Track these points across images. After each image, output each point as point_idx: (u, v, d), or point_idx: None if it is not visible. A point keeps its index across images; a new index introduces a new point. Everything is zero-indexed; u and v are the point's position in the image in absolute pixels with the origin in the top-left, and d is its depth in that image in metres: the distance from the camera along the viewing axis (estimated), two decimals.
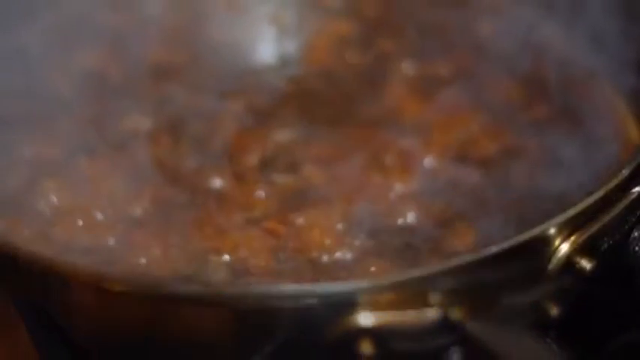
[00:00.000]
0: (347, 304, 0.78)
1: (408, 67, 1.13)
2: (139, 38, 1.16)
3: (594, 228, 0.84)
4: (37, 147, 1.02)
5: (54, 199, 0.97)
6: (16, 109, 1.06)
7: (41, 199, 0.97)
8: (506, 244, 0.81)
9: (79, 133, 1.04)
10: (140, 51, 1.14)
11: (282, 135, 1.05)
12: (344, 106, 1.09)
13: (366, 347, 0.78)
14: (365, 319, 0.78)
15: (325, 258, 0.93)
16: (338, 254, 0.93)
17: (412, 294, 0.79)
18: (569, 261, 0.83)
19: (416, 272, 0.80)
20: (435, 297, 0.79)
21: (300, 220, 0.95)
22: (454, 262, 0.80)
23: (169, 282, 0.88)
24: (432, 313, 0.79)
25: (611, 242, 0.85)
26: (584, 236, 0.83)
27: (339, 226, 0.95)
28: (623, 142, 1.02)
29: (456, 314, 0.79)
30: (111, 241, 0.94)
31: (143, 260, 0.93)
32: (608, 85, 1.07)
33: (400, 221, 0.95)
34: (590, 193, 0.85)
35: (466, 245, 0.93)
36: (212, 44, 1.17)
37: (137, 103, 1.08)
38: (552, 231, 0.83)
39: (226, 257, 0.93)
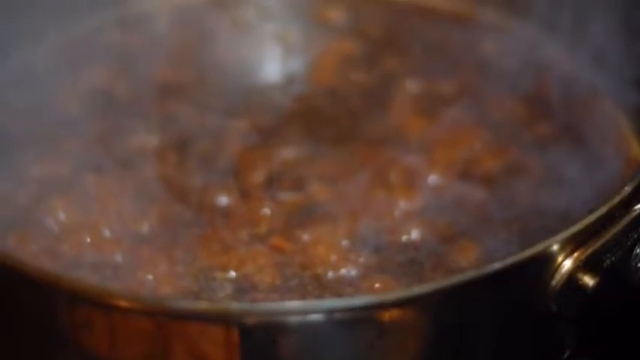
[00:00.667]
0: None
1: (412, 86, 1.13)
2: (146, 57, 1.17)
3: (597, 245, 0.84)
4: (45, 165, 1.03)
5: (62, 216, 0.98)
6: (24, 128, 1.07)
7: (49, 216, 0.97)
8: (509, 261, 0.81)
9: (86, 151, 1.04)
10: (147, 70, 1.15)
11: (288, 153, 1.06)
12: (349, 124, 1.10)
13: None
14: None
15: (330, 274, 0.93)
16: (343, 270, 0.93)
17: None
18: (572, 277, 0.83)
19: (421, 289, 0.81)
20: None
21: (305, 237, 0.96)
22: (457, 278, 0.81)
23: (176, 298, 0.89)
24: None
25: (613, 259, 0.85)
26: (587, 253, 0.84)
27: (344, 242, 0.95)
28: (626, 159, 1.02)
29: None
30: (118, 258, 0.95)
31: (150, 277, 0.93)
32: (610, 103, 1.08)
33: (404, 238, 0.96)
34: (592, 210, 0.85)
35: (470, 261, 0.93)
36: (218, 63, 1.18)
37: (144, 122, 1.09)
38: (555, 247, 0.83)
39: (232, 274, 0.93)
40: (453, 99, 1.11)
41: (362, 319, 0.80)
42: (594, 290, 0.83)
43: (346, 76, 1.16)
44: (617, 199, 0.86)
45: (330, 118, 1.11)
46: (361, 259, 0.94)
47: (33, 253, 0.94)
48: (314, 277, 0.93)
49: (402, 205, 0.99)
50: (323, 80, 1.16)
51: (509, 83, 1.10)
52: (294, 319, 0.79)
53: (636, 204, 0.86)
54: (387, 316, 0.80)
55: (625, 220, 0.85)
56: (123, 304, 0.81)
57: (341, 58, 1.18)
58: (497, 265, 0.81)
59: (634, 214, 0.86)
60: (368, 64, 1.17)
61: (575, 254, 0.83)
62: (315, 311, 0.80)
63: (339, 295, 0.91)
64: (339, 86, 1.15)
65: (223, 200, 1.00)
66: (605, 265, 0.84)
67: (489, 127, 1.07)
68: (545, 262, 0.83)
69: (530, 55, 1.13)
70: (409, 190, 1.00)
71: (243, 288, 0.92)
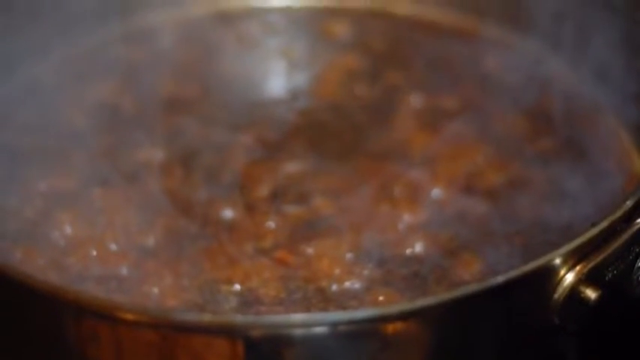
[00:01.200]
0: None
1: (415, 100, 1.14)
2: (152, 71, 1.17)
3: (599, 258, 0.85)
4: (51, 179, 1.04)
5: (68, 229, 0.98)
6: (30, 142, 1.08)
7: (56, 229, 0.98)
8: (512, 274, 0.82)
9: (92, 165, 1.05)
10: (152, 84, 1.15)
11: (292, 167, 1.06)
12: (353, 139, 1.10)
13: None
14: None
15: (334, 287, 0.93)
16: (347, 283, 0.94)
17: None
18: (574, 291, 0.83)
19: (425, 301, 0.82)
20: None
21: (309, 250, 0.96)
22: (460, 291, 0.81)
23: (181, 311, 0.89)
24: None
25: (615, 272, 0.86)
26: (589, 266, 0.84)
27: (348, 255, 0.95)
28: (627, 173, 1.03)
29: None
30: (123, 271, 0.95)
31: (155, 290, 0.93)
32: (612, 118, 1.08)
33: (408, 251, 0.96)
34: (594, 224, 0.85)
35: (473, 275, 0.94)
36: (223, 78, 1.18)
37: (149, 136, 1.09)
38: (557, 261, 0.83)
39: (237, 287, 0.94)
40: (456, 113, 1.11)
41: (366, 332, 0.80)
42: (596, 303, 0.83)
43: (350, 90, 1.16)
44: (618, 214, 0.86)
45: (334, 133, 1.12)
46: (365, 273, 0.94)
47: (39, 267, 0.95)
48: (318, 290, 0.93)
49: (406, 218, 1.00)
50: (327, 95, 1.16)
51: (511, 98, 1.11)
52: (298, 332, 0.80)
53: (637, 218, 0.87)
54: (391, 328, 0.81)
55: (626, 234, 0.86)
56: (128, 316, 0.82)
57: (345, 72, 1.18)
58: (499, 279, 0.81)
59: (635, 228, 0.86)
60: (371, 78, 1.18)
61: (577, 268, 0.84)
62: (319, 324, 0.80)
63: (343, 308, 0.91)
64: (343, 101, 1.15)
65: (228, 214, 1.01)
66: (606, 278, 0.85)
67: (492, 142, 1.07)
68: (547, 276, 0.83)
69: (533, 70, 1.14)
70: (413, 203, 1.01)
71: (248, 301, 0.93)
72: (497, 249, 0.95)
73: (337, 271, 0.94)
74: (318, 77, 1.19)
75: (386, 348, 0.81)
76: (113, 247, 0.97)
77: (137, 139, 1.09)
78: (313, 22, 1.25)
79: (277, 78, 1.21)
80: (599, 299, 0.84)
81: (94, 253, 0.96)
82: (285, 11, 1.26)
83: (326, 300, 0.92)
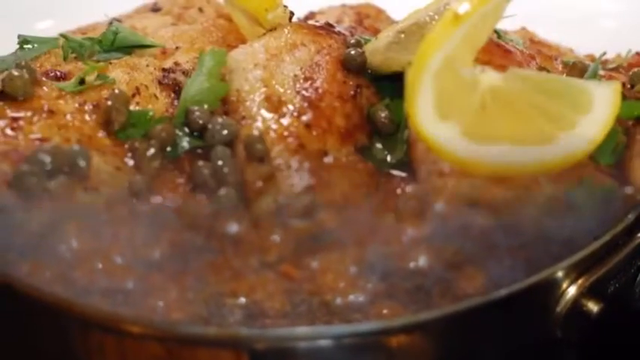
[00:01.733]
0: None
1: None
2: None
3: (601, 271, 0.85)
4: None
5: (74, 243, 0.99)
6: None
7: (62, 243, 0.98)
8: (515, 287, 0.82)
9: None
10: None
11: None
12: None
13: None
14: None
15: (339, 300, 0.94)
16: (351, 297, 0.94)
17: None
18: (576, 304, 0.84)
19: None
20: None
21: (314, 264, 0.96)
22: (463, 304, 0.82)
23: (186, 324, 0.90)
24: None
25: (617, 285, 0.86)
26: (592, 279, 0.85)
27: (353, 269, 0.96)
28: (630, 187, 1.03)
29: None
30: (129, 284, 0.96)
31: (161, 303, 0.94)
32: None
33: (412, 264, 0.96)
34: (597, 238, 0.86)
35: (476, 288, 0.94)
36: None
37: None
38: (560, 274, 0.84)
39: (242, 300, 0.94)
40: None
41: (370, 345, 0.81)
42: (598, 316, 0.84)
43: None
44: (620, 227, 0.87)
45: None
46: (369, 286, 0.94)
47: (45, 280, 0.95)
48: (323, 304, 0.93)
49: (410, 232, 1.00)
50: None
51: None
52: (302, 345, 0.80)
53: (639, 232, 0.87)
54: (395, 341, 0.81)
55: (628, 248, 0.87)
56: (134, 329, 0.82)
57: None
58: (502, 292, 0.82)
59: (637, 241, 0.87)
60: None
61: (580, 281, 0.84)
62: (323, 337, 0.81)
63: (348, 321, 0.91)
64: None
65: (233, 227, 1.01)
66: (608, 291, 0.86)
67: None
68: (550, 289, 0.84)
69: None
70: (416, 217, 1.01)
71: (253, 314, 0.93)
72: (500, 262, 0.95)
73: (341, 284, 0.94)
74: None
75: None
76: (119, 260, 0.97)
77: None
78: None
79: None
80: (601, 312, 0.84)
81: (100, 266, 0.97)
82: None
83: (330, 313, 0.92)
